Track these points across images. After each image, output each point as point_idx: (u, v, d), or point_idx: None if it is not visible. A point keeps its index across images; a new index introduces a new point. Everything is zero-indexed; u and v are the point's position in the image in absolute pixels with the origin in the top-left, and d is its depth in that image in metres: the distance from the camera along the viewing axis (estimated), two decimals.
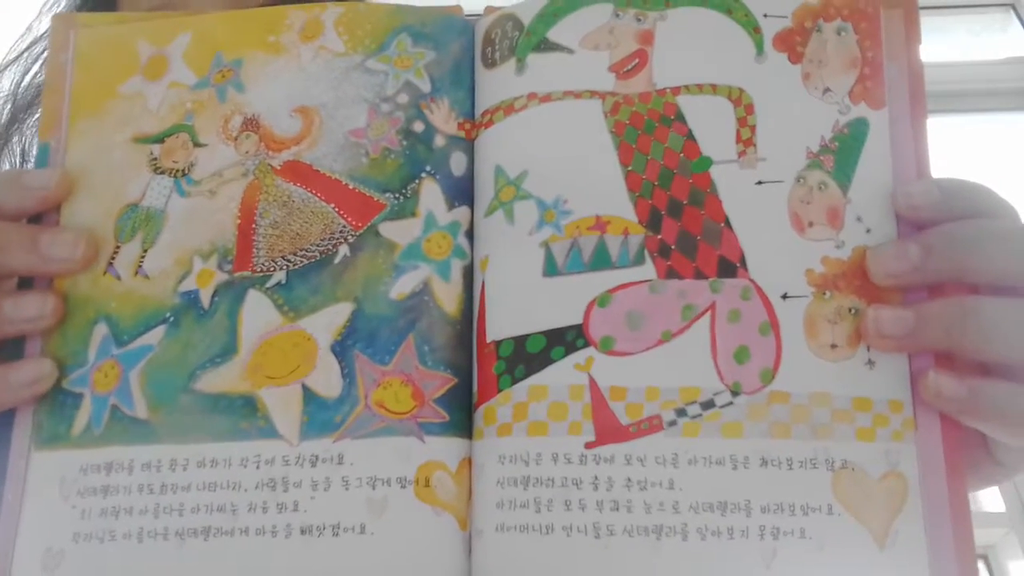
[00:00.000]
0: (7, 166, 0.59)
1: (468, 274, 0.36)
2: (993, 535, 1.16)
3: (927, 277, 0.32)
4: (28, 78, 0.60)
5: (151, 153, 0.37)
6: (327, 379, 0.34)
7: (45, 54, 0.60)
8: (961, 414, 0.32)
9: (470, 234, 0.36)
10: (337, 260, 0.35)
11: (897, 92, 0.36)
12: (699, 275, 0.34)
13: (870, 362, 0.33)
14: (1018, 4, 1.52)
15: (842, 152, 0.35)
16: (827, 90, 0.36)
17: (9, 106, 0.59)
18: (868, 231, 0.34)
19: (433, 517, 0.32)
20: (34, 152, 0.59)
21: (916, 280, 0.33)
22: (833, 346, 0.33)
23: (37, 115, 0.59)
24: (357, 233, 0.35)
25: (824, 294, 0.34)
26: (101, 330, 0.35)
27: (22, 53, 0.61)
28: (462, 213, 0.36)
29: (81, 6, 0.59)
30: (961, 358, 0.32)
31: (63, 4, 0.61)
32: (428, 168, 0.36)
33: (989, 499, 1.14)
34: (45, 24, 0.61)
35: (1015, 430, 0.32)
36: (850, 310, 0.33)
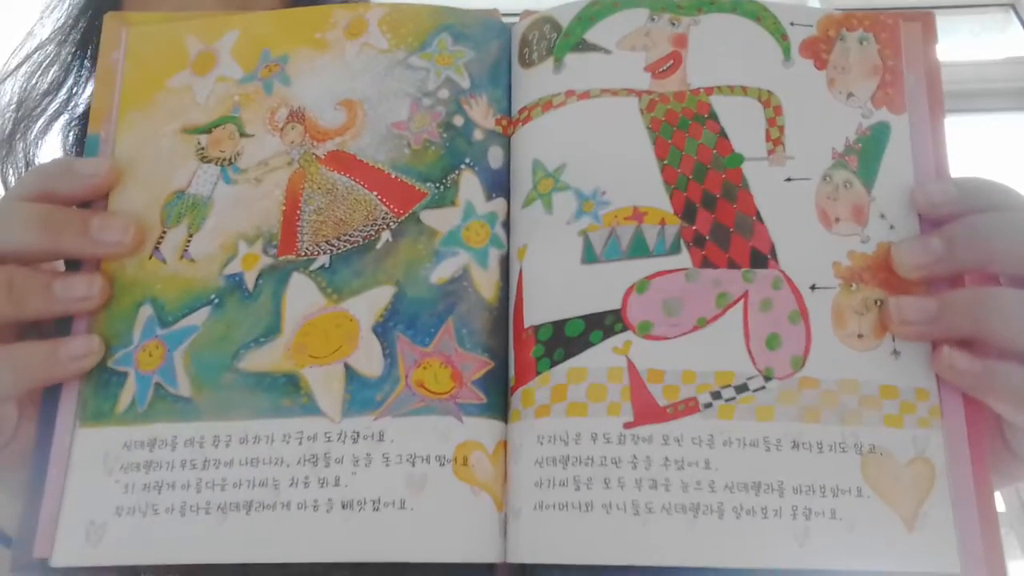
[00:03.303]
0: (12, 175, 0.59)
1: (504, 264, 0.37)
2: None
3: (951, 267, 0.34)
4: (32, 84, 0.60)
5: (199, 143, 0.38)
6: (369, 359, 0.34)
7: (46, 63, 0.60)
8: (974, 389, 0.33)
9: (506, 225, 0.37)
10: (379, 245, 0.36)
11: (916, 98, 0.38)
12: (732, 265, 0.35)
13: (896, 351, 0.34)
14: (1018, 4, 1.55)
15: (865, 153, 0.37)
16: (850, 95, 0.38)
17: (13, 115, 0.59)
18: (892, 227, 0.36)
19: (471, 495, 0.33)
20: (38, 161, 0.60)
21: (940, 271, 0.34)
22: (860, 335, 0.34)
23: (41, 122, 0.59)
24: (399, 220, 0.36)
25: (851, 286, 0.35)
26: (146, 311, 0.36)
27: (23, 62, 0.61)
28: (499, 204, 0.37)
29: (84, 9, 0.60)
30: (982, 347, 0.33)
31: (64, 8, 0.61)
32: (467, 160, 0.37)
33: None
34: (47, 29, 0.61)
35: None
36: (876, 302, 0.35)
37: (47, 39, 0.61)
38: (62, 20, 0.60)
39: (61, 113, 0.59)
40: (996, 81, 1.53)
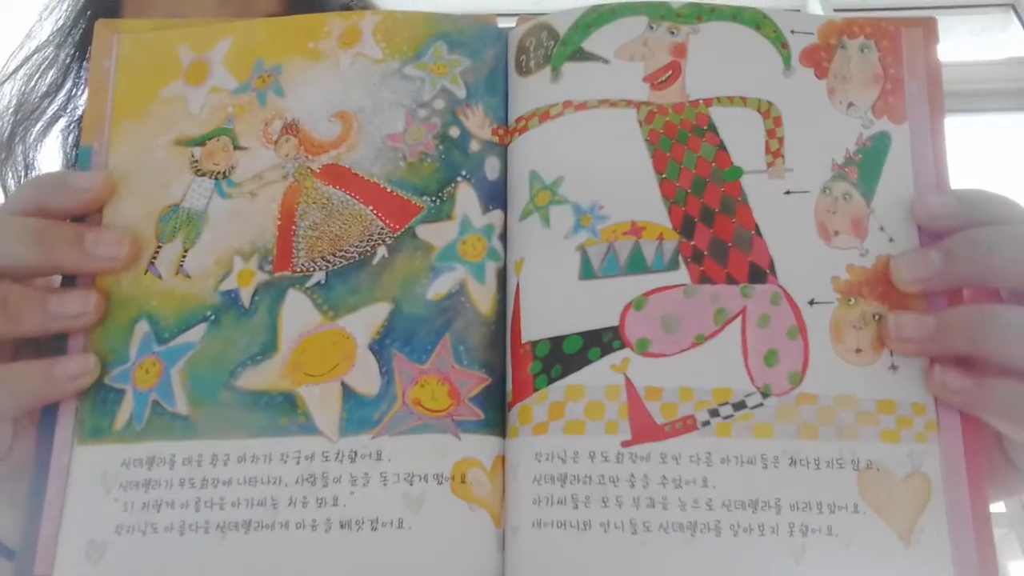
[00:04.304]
0: (11, 178, 0.59)
1: (502, 276, 0.36)
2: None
3: (950, 281, 0.34)
4: (31, 86, 0.59)
5: (192, 156, 0.38)
6: (366, 377, 0.34)
7: (44, 65, 0.60)
8: (969, 407, 0.33)
9: (503, 237, 0.37)
10: (375, 261, 0.36)
11: (917, 107, 0.37)
12: (731, 280, 0.35)
13: (893, 366, 0.34)
14: (1018, 4, 1.55)
15: (865, 164, 0.36)
16: (851, 104, 0.37)
17: (12, 117, 0.59)
18: (891, 240, 0.36)
19: (469, 513, 0.33)
20: (37, 164, 0.60)
21: (939, 285, 0.34)
22: (858, 350, 0.34)
23: (40, 125, 0.59)
24: (395, 235, 0.36)
25: (849, 300, 0.35)
26: (142, 328, 0.36)
27: (21, 65, 0.60)
28: (496, 216, 0.37)
29: (83, 10, 0.59)
30: (981, 363, 0.33)
31: (63, 9, 0.61)
32: (463, 172, 0.37)
33: None
34: (46, 31, 0.61)
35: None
36: (874, 316, 0.35)
37: (46, 41, 0.60)
38: (61, 21, 0.60)
39: (60, 115, 0.59)
40: (996, 81, 1.53)
